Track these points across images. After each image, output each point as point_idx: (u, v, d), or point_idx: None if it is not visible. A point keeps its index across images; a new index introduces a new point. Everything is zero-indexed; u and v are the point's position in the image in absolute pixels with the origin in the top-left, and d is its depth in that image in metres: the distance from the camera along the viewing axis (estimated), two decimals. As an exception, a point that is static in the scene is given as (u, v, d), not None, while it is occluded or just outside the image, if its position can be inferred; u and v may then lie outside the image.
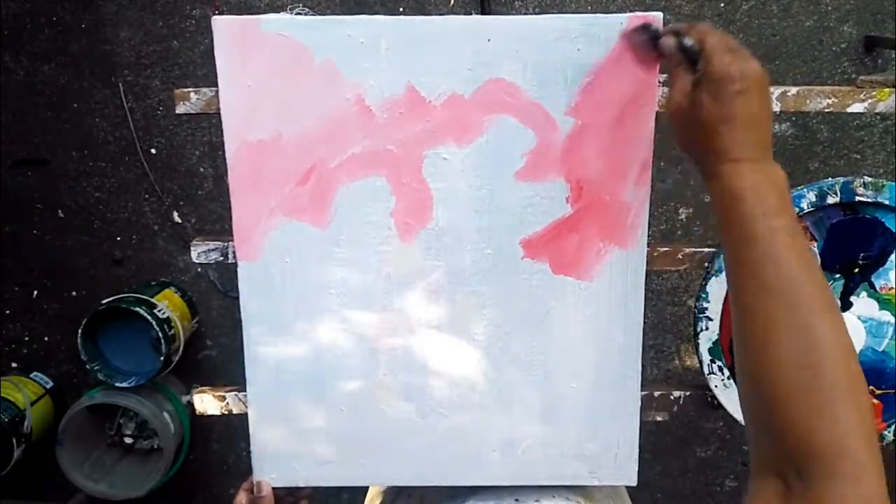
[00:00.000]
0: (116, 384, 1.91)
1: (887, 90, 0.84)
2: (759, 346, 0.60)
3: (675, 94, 0.68)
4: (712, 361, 0.90)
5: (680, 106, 0.67)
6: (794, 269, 0.59)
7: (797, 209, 0.85)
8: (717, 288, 0.88)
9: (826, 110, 0.85)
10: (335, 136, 0.82)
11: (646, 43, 0.76)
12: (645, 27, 0.76)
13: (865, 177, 0.84)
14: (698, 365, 0.91)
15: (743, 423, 0.91)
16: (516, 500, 0.88)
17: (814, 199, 0.85)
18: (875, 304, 0.89)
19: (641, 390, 0.90)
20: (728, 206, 0.63)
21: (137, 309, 1.85)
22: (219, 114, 0.82)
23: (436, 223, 0.84)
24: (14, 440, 1.94)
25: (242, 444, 0.89)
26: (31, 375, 2.12)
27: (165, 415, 1.98)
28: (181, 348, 1.97)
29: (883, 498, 0.53)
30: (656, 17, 0.78)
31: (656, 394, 0.93)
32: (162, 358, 1.89)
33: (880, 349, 0.90)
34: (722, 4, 1.94)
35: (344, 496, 1.02)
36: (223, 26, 0.80)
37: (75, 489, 2.01)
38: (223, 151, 0.83)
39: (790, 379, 0.57)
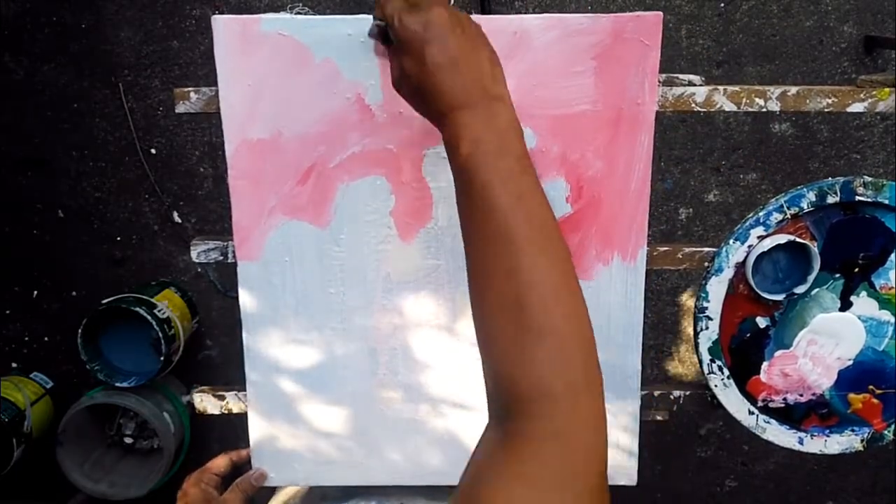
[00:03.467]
0: (116, 384, 1.91)
1: (887, 90, 0.84)
2: (474, 291, 0.59)
3: (391, 70, 0.67)
4: (712, 361, 0.90)
5: (395, 78, 0.66)
6: (507, 211, 0.58)
7: (797, 209, 0.85)
8: (717, 288, 0.88)
9: (826, 110, 0.85)
10: (335, 136, 0.82)
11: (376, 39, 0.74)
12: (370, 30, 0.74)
13: (865, 177, 0.84)
14: (698, 365, 0.91)
15: (737, 419, 0.92)
16: (401, 502, 0.89)
17: (814, 198, 0.85)
18: (875, 303, 0.89)
19: (641, 390, 0.90)
20: (451, 155, 0.62)
21: (137, 309, 1.85)
22: (219, 113, 0.82)
23: (435, 222, 0.84)
24: (14, 440, 1.94)
25: (242, 444, 0.90)
26: (31, 375, 2.12)
27: (165, 415, 1.98)
28: (181, 348, 1.97)
29: (575, 431, 0.53)
30: (656, 16, 0.78)
31: (656, 393, 0.93)
32: (162, 358, 1.88)
33: (880, 349, 0.90)
34: (722, 4, 1.94)
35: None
36: (223, 26, 0.80)
37: (75, 489, 2.00)
38: (223, 151, 0.83)
39: (497, 323, 0.57)
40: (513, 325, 0.56)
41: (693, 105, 0.84)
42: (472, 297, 0.60)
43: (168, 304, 1.96)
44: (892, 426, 0.93)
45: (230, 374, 2.14)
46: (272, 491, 0.98)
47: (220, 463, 0.89)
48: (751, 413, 0.92)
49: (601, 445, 0.55)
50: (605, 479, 0.54)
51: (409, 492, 0.91)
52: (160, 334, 1.87)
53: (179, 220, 2.08)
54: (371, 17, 0.70)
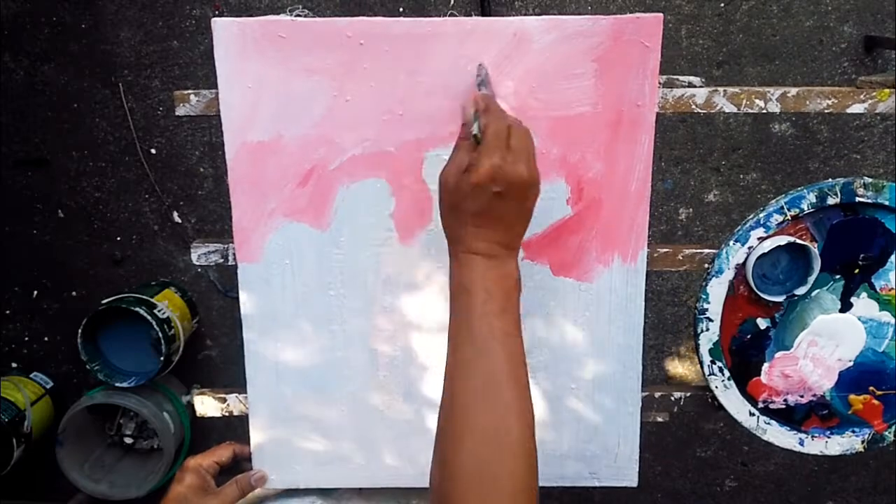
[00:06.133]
0: (116, 384, 1.91)
1: (887, 90, 0.84)
2: (449, 434, 0.63)
3: (450, 166, 0.67)
4: (713, 362, 0.90)
5: (448, 180, 0.66)
6: (499, 372, 0.62)
7: (797, 210, 0.85)
8: (717, 289, 0.88)
9: (826, 111, 0.85)
10: (335, 138, 0.82)
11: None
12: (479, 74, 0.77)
13: (865, 178, 0.84)
14: (699, 366, 0.91)
15: (738, 420, 0.92)
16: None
17: (814, 199, 0.85)
18: (875, 304, 0.89)
19: (642, 391, 0.90)
20: (456, 293, 0.64)
21: (137, 309, 1.85)
22: (219, 115, 0.82)
23: (435, 224, 0.84)
24: (14, 440, 1.94)
25: (243, 444, 0.90)
26: (31, 375, 2.12)
27: (165, 415, 1.98)
28: (181, 348, 1.97)
29: None
30: (656, 18, 0.78)
31: (657, 394, 0.93)
32: (162, 358, 1.88)
33: (880, 350, 0.90)
34: (722, 4, 1.94)
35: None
36: (223, 28, 0.80)
37: (75, 489, 2.00)
38: (223, 151, 0.83)
39: (467, 482, 0.60)
40: (487, 484, 0.59)
41: (693, 106, 0.84)
42: (441, 429, 0.64)
43: (168, 304, 1.96)
44: (893, 427, 0.93)
45: (230, 375, 2.14)
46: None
47: (223, 453, 0.89)
48: (751, 414, 0.92)
49: None
50: None
51: (345, 493, 0.93)
52: (160, 334, 1.87)
53: (179, 220, 2.08)
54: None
